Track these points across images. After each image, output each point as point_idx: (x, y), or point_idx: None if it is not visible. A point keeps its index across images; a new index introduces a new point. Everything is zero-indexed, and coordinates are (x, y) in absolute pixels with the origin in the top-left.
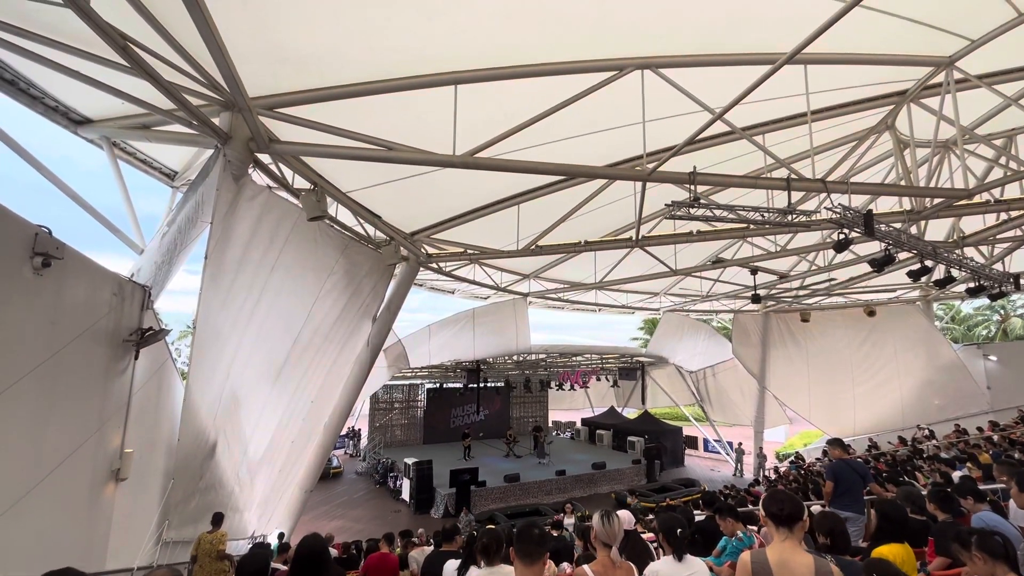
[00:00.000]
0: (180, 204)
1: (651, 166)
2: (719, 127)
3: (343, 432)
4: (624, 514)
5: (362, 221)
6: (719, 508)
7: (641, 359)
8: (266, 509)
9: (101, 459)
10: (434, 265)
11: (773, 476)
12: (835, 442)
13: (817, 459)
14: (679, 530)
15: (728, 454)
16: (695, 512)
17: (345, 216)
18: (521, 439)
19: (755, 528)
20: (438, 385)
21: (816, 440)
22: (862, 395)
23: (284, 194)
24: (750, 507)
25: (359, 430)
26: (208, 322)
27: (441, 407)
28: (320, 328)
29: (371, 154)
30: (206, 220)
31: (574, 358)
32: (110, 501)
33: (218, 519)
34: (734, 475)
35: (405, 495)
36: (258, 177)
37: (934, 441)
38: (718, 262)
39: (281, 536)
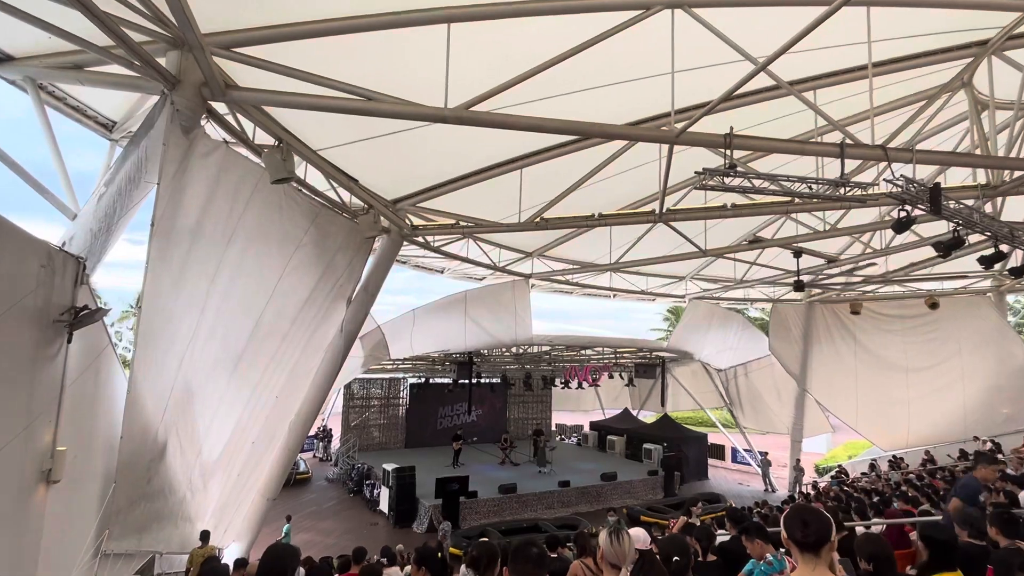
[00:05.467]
0: (120, 160)
1: (680, 126)
2: (762, 80)
3: (312, 432)
4: (637, 532)
5: (336, 185)
6: (747, 528)
7: (662, 354)
8: (222, 519)
9: (30, 458)
10: (420, 239)
11: (811, 492)
12: (983, 457)
13: (863, 474)
14: (675, 558)
15: (759, 466)
16: (720, 532)
17: (316, 179)
18: (519, 444)
19: (787, 550)
20: (423, 380)
21: (863, 452)
22: (918, 401)
23: (244, 151)
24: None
25: (330, 430)
26: (157, 302)
27: (426, 406)
28: (286, 311)
29: (347, 105)
30: (151, 180)
31: (583, 351)
32: (40, 506)
33: (205, 535)
34: (765, 490)
35: (383, 506)
36: (213, 130)
37: (1000, 456)
38: (755, 242)
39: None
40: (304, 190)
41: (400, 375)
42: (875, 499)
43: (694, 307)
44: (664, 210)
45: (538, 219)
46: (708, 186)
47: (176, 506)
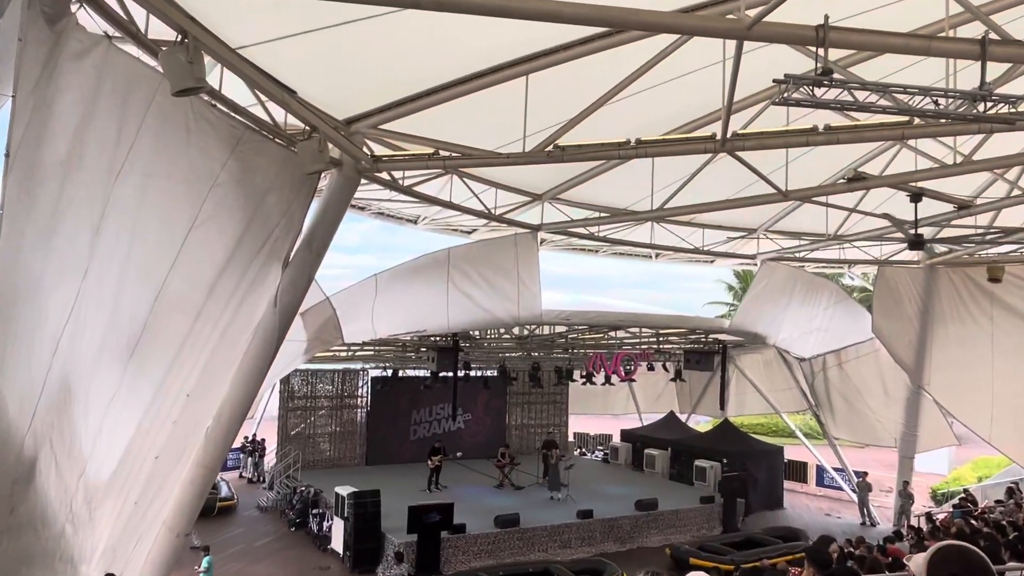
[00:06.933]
0: None
1: (753, 13)
2: None
3: (237, 444)
4: None
5: (265, 99)
6: (833, 573)
7: (722, 337)
8: (115, 560)
9: None
10: (385, 175)
11: (925, 527)
12: None
13: (997, 502)
14: None
15: (854, 491)
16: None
17: (237, 90)
18: (523, 460)
19: None
20: (389, 372)
21: (997, 473)
22: None
23: (134, 50)
24: (887, 574)
25: (262, 441)
26: (17, 263)
27: (395, 408)
28: (200, 276)
29: None
30: (4, 92)
31: (612, 333)
32: None
33: None
34: (862, 523)
35: (337, 544)
36: (89, 20)
37: None
38: (857, 180)
39: None
40: (221, 106)
41: (358, 365)
42: (1012, 535)
43: (769, 272)
44: (729, 135)
45: (550, 147)
46: (792, 100)
47: (52, 544)
